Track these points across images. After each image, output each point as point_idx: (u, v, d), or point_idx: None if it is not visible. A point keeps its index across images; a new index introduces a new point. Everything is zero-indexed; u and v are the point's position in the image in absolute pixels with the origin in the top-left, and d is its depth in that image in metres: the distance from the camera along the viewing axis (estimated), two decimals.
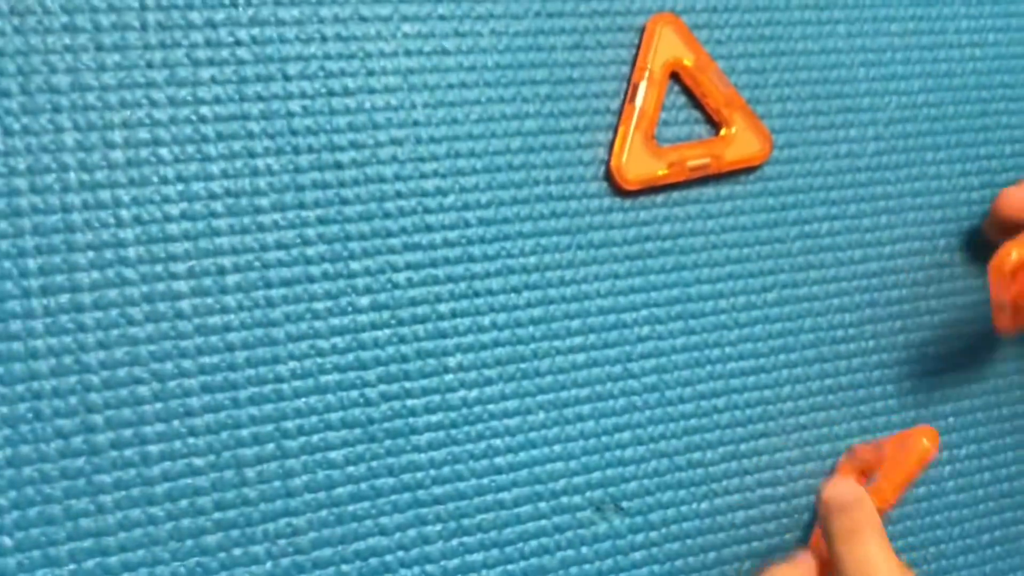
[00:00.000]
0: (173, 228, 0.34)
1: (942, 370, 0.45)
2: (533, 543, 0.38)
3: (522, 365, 0.38)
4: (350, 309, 0.36)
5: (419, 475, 0.36)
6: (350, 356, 0.36)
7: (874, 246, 0.44)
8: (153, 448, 0.33)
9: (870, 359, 0.43)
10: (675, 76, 0.41)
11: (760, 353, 0.41)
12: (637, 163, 0.40)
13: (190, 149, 0.34)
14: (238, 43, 0.35)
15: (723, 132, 0.41)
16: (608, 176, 0.39)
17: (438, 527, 0.37)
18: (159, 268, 0.34)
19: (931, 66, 0.45)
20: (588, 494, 0.39)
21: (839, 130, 0.43)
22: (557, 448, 0.38)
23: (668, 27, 0.40)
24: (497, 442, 0.37)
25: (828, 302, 0.43)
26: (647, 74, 0.40)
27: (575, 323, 0.39)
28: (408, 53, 0.37)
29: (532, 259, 0.38)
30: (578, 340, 0.39)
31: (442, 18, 0.38)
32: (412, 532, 0.36)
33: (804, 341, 0.42)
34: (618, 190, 0.40)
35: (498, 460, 0.37)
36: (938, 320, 0.45)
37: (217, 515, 0.34)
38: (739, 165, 0.41)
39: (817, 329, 0.43)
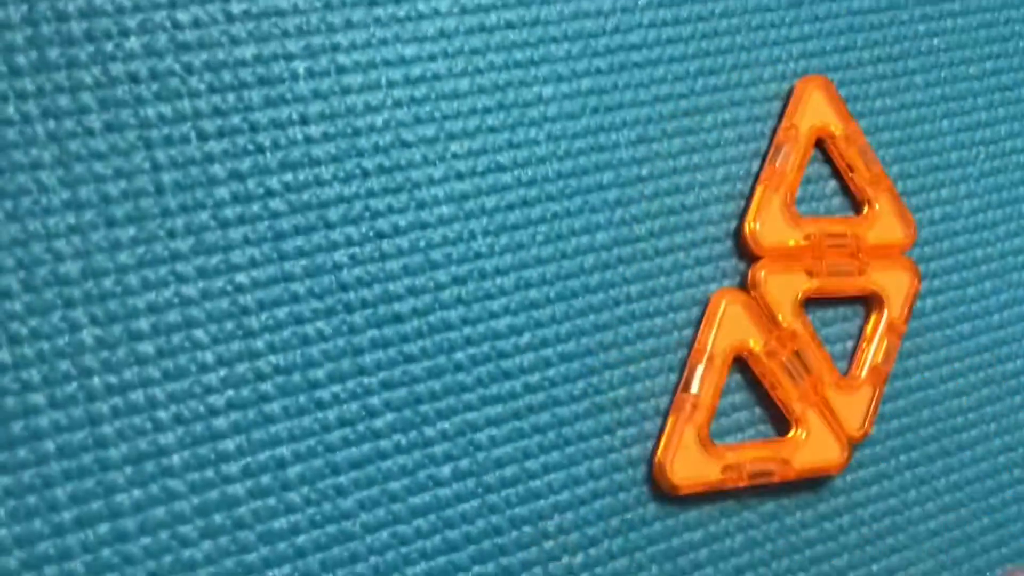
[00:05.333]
0: (220, 422, 0.29)
1: None
2: None
3: (627, 516, 0.33)
4: (430, 483, 0.31)
5: None
6: (437, 538, 0.31)
7: (982, 317, 0.39)
8: None
9: (993, 444, 0.39)
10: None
11: None
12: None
13: (229, 326, 0.29)
14: (270, 193, 0.30)
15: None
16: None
17: None
18: (210, 472, 0.29)
19: (1015, 108, 0.41)
20: None
21: (930, 193, 0.39)
22: None
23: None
24: None
25: (940, 371, 0.38)
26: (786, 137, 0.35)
27: None
28: (460, 176, 0.32)
29: (622, 391, 0.34)
30: None
31: (492, 130, 0.33)
32: None
33: (924, 436, 0.38)
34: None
35: None
36: None
37: None
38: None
39: (936, 420, 0.38)
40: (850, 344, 0.37)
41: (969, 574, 0.38)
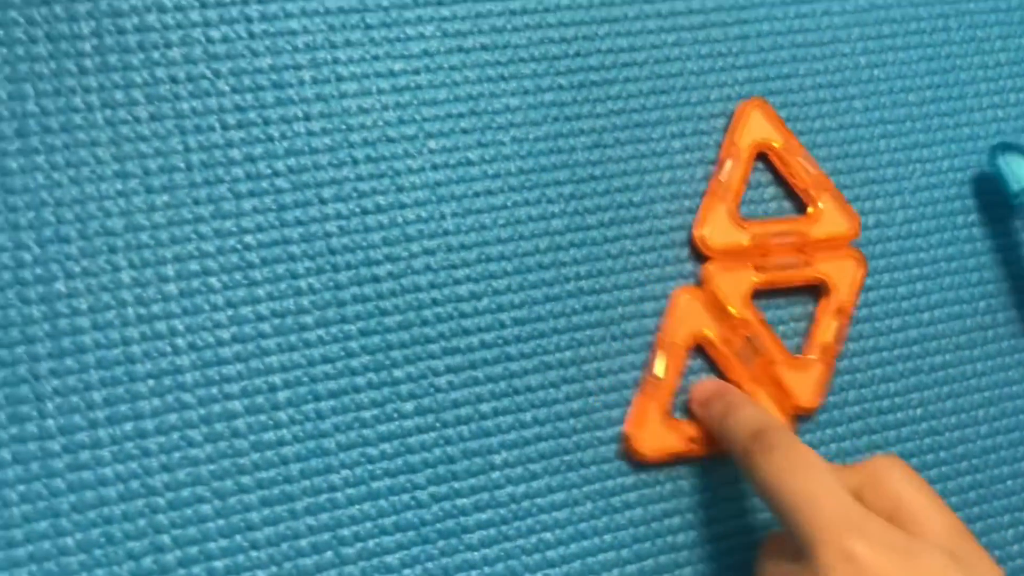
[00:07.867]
0: (225, 351, 0.36)
1: (992, 433, 0.44)
2: None
3: (566, 457, 0.39)
4: (396, 415, 0.37)
5: (473, 573, 0.37)
6: (399, 461, 0.37)
7: (912, 314, 0.44)
8: (218, 563, 0.35)
9: (919, 427, 0.43)
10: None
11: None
12: (719, 233, 0.41)
13: (237, 276, 0.36)
14: (276, 174, 0.37)
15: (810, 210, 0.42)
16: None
17: None
18: (215, 390, 0.36)
19: (953, 132, 0.46)
20: None
21: (864, 202, 0.44)
22: (607, 537, 0.39)
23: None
24: (547, 535, 0.38)
25: (868, 358, 0.43)
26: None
27: (615, 412, 0.40)
28: (435, 167, 0.39)
29: (568, 354, 0.40)
30: (619, 429, 0.40)
31: (464, 131, 0.40)
32: None
33: (850, 414, 0.42)
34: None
35: (550, 553, 0.38)
36: (984, 383, 0.44)
37: None
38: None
39: (862, 401, 0.43)
40: (804, 326, 0.42)
41: None
